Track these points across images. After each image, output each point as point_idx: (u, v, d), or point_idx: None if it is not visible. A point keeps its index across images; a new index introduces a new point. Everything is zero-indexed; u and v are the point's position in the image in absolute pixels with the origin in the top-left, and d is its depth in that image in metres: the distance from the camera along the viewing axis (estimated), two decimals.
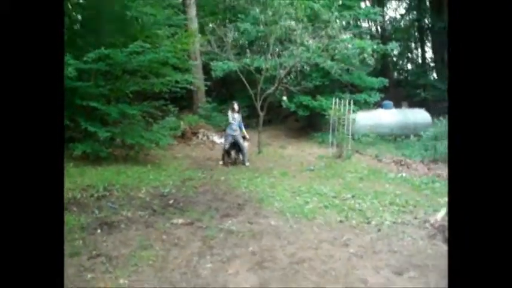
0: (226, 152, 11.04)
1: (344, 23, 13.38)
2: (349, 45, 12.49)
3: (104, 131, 9.40)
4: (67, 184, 7.91)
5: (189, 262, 4.70)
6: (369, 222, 5.93)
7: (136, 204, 6.92)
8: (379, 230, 5.58)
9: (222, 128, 14.21)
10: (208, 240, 5.34)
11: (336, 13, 12.15)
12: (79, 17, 12.45)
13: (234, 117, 10.98)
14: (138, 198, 7.37)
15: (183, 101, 16.74)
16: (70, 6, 11.96)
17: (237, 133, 10.98)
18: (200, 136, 14.31)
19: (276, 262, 4.60)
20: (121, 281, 4.16)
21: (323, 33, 11.33)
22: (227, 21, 14.73)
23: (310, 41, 10.78)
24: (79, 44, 10.44)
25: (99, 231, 5.63)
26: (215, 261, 4.72)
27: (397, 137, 13.59)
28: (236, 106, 11.11)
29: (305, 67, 12.86)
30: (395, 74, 22.86)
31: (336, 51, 11.98)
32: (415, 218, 6.08)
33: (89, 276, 4.24)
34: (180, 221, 6.09)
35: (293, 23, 11.58)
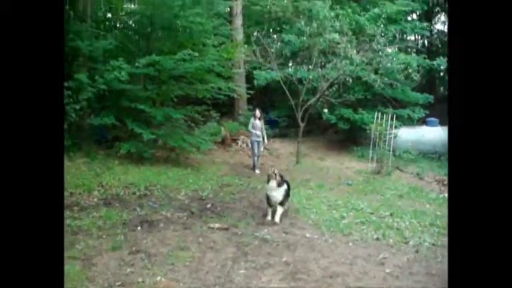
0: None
1: (390, 36, 13.23)
2: (394, 60, 12.31)
3: (149, 133, 9.76)
4: (111, 181, 8.29)
5: (224, 267, 4.80)
6: (406, 242, 5.82)
7: (176, 206, 7.14)
8: (417, 251, 5.46)
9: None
10: (243, 247, 5.43)
11: (382, 27, 12.06)
12: (131, 23, 13.06)
13: (256, 124, 11.13)
14: (177, 199, 7.59)
15: (225, 107, 17.02)
16: (124, 13, 12.58)
17: (260, 139, 11.29)
18: (239, 143, 14.50)
19: (309, 274, 4.62)
20: (158, 278, 4.32)
21: (367, 47, 11.27)
22: (272, 31, 14.90)
23: (354, 55, 10.73)
24: (131, 49, 10.92)
25: (139, 228, 5.86)
26: (249, 267, 4.79)
27: (441, 156, 13.20)
28: (258, 113, 11.36)
29: (347, 79, 12.80)
30: (442, 90, 22.19)
31: (380, 65, 11.85)
32: None
33: (128, 270, 4.43)
34: (217, 225, 6.22)
35: (337, 36, 11.58)
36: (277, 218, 6.40)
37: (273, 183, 6.38)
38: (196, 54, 9.53)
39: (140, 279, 4.24)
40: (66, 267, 4.29)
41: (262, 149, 11.57)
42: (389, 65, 12.06)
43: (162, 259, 4.83)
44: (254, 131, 11.20)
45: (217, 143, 13.80)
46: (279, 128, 16.75)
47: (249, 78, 16.17)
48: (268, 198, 6.52)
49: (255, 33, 17.32)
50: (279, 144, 15.70)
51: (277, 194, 6.40)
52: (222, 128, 14.54)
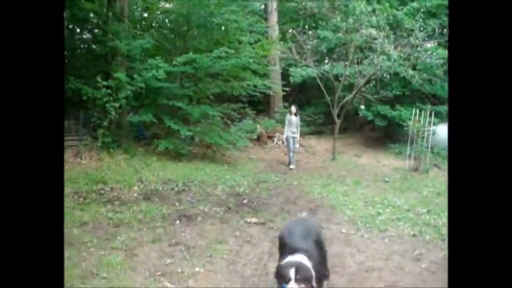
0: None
1: (429, 30, 12.89)
2: (433, 55, 12.01)
3: (186, 130, 10.01)
4: (150, 176, 8.59)
5: (260, 260, 4.91)
6: (443, 239, 5.72)
7: (213, 201, 7.31)
8: None
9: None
10: None
11: (420, 21, 11.78)
12: (167, 22, 13.38)
13: (291, 120, 11.16)
14: (215, 195, 7.77)
15: (260, 105, 17.15)
16: (159, 12, 12.91)
17: (295, 136, 11.30)
18: (275, 140, 14.57)
19: (345, 268, 4.66)
20: (197, 269, 4.48)
21: (405, 42, 11.05)
22: (307, 28, 14.86)
23: (392, 50, 10.54)
24: (168, 48, 11.23)
25: (178, 222, 6.07)
26: None
27: None
28: (294, 109, 11.38)
29: (385, 75, 12.61)
30: None
31: (419, 60, 11.58)
32: None
33: (168, 261, 4.62)
34: (253, 220, 6.35)
35: (374, 31, 11.43)
36: None
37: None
38: (232, 51, 9.68)
39: (179, 270, 4.41)
40: (109, 257, 4.56)
41: (297, 145, 11.58)
42: (428, 60, 11.76)
43: (201, 251, 4.99)
44: (290, 127, 11.26)
45: (253, 140, 13.94)
46: (315, 125, 16.70)
47: (285, 75, 16.19)
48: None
49: (290, 30, 17.35)
50: (315, 141, 15.67)
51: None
52: (258, 126, 14.66)
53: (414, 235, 5.90)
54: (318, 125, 16.80)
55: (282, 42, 13.05)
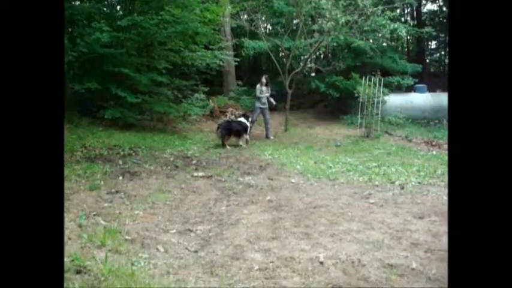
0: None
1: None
2: (382, 22, 12.01)
3: (134, 97, 9.55)
4: (94, 143, 8.11)
5: (205, 205, 4.70)
6: (392, 183, 5.75)
7: (160, 162, 7.00)
8: (402, 188, 5.40)
9: (251, 108, 14.17)
10: (227, 190, 5.33)
11: None
12: None
13: (262, 90, 10.95)
14: (162, 157, 7.44)
15: (214, 86, 16.82)
16: None
17: (266, 106, 11.00)
18: (228, 115, 14.30)
19: (292, 207, 4.53)
20: (136, 212, 4.20)
21: (353, 8, 11.09)
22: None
23: (340, 15, 10.49)
24: (113, 13, 10.66)
25: (121, 178, 5.72)
26: (231, 205, 4.69)
27: (429, 121, 13.15)
28: (264, 79, 11.07)
29: (336, 44, 12.63)
30: (432, 63, 22.14)
31: (367, 27, 11.67)
32: (442, 181, 5.82)
33: (106, 205, 4.30)
34: (200, 174, 6.11)
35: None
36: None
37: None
38: (179, 11, 9.20)
39: (117, 211, 4.12)
40: None
41: (268, 116, 11.28)
42: (374, 27, 11.87)
43: (142, 199, 4.71)
44: (261, 98, 10.97)
45: (206, 116, 13.62)
46: (268, 102, 16.56)
47: (237, 54, 15.93)
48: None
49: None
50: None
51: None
52: (210, 101, 14.35)
53: (364, 181, 5.89)
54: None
55: (231, 6, 12.50)
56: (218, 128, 9.50)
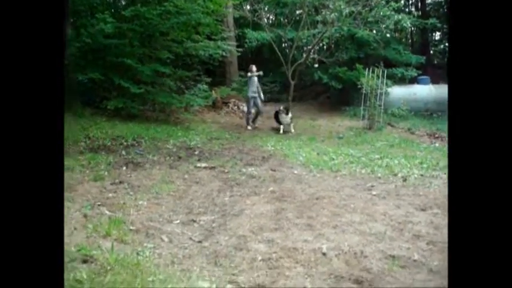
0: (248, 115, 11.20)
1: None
2: (387, 13, 11.92)
3: (137, 88, 9.56)
4: (97, 133, 8.14)
5: (208, 195, 4.74)
6: (395, 175, 5.76)
7: (163, 152, 7.03)
8: (404, 180, 5.41)
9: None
10: (230, 181, 5.36)
11: None
12: None
13: (252, 79, 10.95)
14: (165, 148, 7.48)
15: (217, 77, 16.77)
16: None
17: (256, 95, 11.02)
18: (231, 106, 14.30)
19: (295, 198, 4.56)
20: (140, 202, 4.24)
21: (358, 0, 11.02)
22: None
23: (343, 6, 10.44)
24: (116, 5, 10.63)
25: (124, 168, 5.76)
26: (234, 195, 4.73)
27: (432, 113, 13.11)
28: (254, 68, 11.07)
29: (339, 35, 12.55)
30: (436, 54, 21.98)
31: (371, 18, 11.59)
32: (445, 173, 5.82)
33: (110, 195, 4.34)
34: (203, 165, 6.14)
35: None
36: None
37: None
38: (182, 2, 9.19)
39: (122, 202, 4.15)
40: None
41: (261, 104, 11.29)
42: (378, 17, 11.78)
43: (146, 189, 4.75)
44: (251, 87, 10.98)
45: (208, 107, 13.60)
46: (272, 93, 16.53)
47: (240, 45, 15.88)
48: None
49: None
50: (271, 107, 15.47)
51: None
52: (213, 92, 14.32)
53: (367, 173, 5.90)
54: (274, 93, 16.63)
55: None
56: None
